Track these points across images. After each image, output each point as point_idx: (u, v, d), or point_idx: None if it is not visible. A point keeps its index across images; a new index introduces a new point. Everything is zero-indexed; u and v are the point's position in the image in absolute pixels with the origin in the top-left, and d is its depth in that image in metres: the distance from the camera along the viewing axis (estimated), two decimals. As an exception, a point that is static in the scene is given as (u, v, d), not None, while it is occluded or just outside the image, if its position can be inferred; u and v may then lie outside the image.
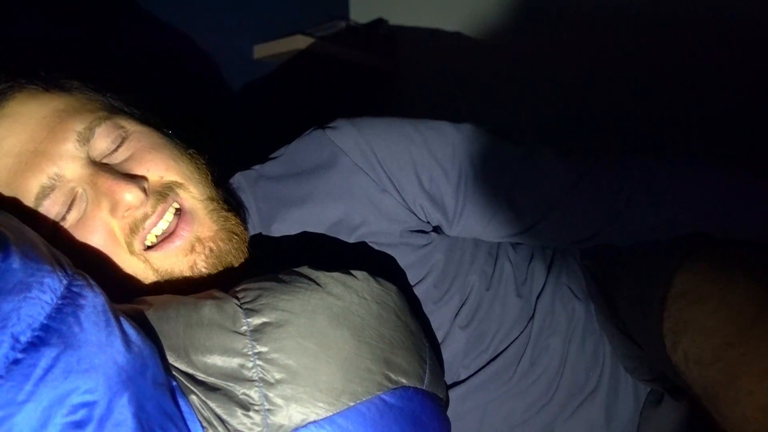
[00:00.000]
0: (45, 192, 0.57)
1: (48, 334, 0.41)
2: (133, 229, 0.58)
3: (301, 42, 1.33)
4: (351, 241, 0.68)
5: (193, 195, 0.62)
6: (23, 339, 0.40)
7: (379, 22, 1.52)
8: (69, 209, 0.57)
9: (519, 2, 1.33)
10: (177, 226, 0.59)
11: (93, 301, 0.45)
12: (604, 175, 0.67)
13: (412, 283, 0.69)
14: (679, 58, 1.14)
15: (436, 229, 0.71)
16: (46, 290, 0.43)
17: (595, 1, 1.23)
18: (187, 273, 0.59)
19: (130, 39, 1.11)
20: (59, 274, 0.45)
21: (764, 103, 1.04)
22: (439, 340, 0.69)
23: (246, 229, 0.66)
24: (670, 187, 0.66)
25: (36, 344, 0.41)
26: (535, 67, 1.32)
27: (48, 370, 0.40)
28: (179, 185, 0.61)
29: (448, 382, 0.69)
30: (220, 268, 0.61)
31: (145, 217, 0.58)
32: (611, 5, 1.20)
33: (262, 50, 1.37)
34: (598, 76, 1.24)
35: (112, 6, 1.10)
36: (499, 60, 1.38)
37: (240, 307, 0.51)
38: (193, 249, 0.59)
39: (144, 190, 0.57)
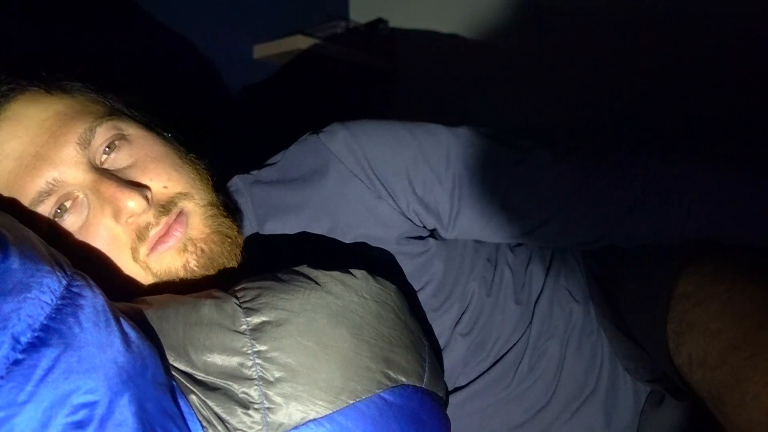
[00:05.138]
0: (41, 197, 0.57)
1: (48, 334, 0.41)
2: (140, 236, 0.58)
3: (300, 42, 1.33)
4: (347, 241, 0.68)
5: (195, 201, 0.62)
6: (23, 340, 0.40)
7: (379, 22, 1.52)
8: (67, 213, 0.58)
9: (519, 3, 1.33)
10: (171, 227, 0.59)
11: (93, 301, 0.45)
12: (608, 178, 0.67)
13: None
14: (679, 57, 1.14)
15: (434, 233, 0.71)
16: (46, 290, 0.43)
17: (595, 1, 1.23)
18: (182, 272, 0.59)
19: (129, 39, 1.11)
20: (59, 274, 0.45)
21: (765, 104, 1.04)
22: (440, 347, 0.69)
23: (241, 232, 0.66)
24: (675, 191, 0.65)
25: (36, 345, 0.41)
26: (534, 68, 1.32)
27: (49, 370, 0.40)
28: (183, 195, 0.61)
29: (447, 389, 0.69)
30: (212, 270, 0.61)
31: (149, 226, 0.58)
32: (611, 5, 1.20)
33: (261, 50, 1.37)
34: (598, 76, 1.24)
35: (111, 6, 1.11)
36: (498, 60, 1.37)
37: (239, 306, 0.51)
38: (185, 249, 0.60)
39: (146, 198, 0.57)
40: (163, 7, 1.17)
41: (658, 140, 1.16)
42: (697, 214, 0.65)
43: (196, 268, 0.60)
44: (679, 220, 0.65)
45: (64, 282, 0.45)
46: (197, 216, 0.61)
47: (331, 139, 0.67)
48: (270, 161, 0.73)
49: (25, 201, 0.57)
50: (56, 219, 0.57)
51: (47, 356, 0.41)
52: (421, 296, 0.69)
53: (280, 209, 0.68)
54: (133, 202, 0.56)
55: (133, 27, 1.14)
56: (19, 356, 0.40)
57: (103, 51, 1.05)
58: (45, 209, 0.57)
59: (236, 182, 0.72)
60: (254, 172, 0.72)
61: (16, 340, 0.40)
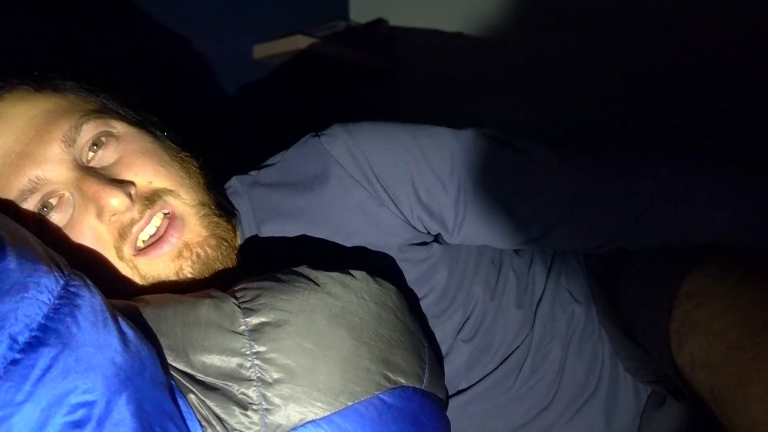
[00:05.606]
0: (24, 195, 0.56)
1: (46, 334, 0.41)
2: (122, 234, 0.57)
3: (300, 42, 1.33)
4: (348, 245, 0.67)
5: (184, 200, 0.61)
6: (21, 339, 0.40)
7: (379, 22, 1.52)
8: (53, 211, 0.57)
9: (519, 2, 1.33)
10: (166, 231, 0.59)
11: (90, 301, 0.45)
12: (616, 183, 0.65)
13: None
14: (679, 57, 1.14)
15: (438, 238, 0.70)
16: (43, 290, 0.43)
17: (595, 1, 1.23)
18: (173, 278, 0.59)
19: (128, 39, 1.11)
20: (56, 274, 0.45)
21: (765, 103, 1.04)
22: (442, 354, 0.68)
23: (236, 235, 0.66)
24: (685, 197, 0.64)
25: (34, 344, 0.41)
26: (535, 68, 1.32)
27: (46, 370, 0.40)
28: (168, 192, 0.60)
29: (449, 393, 0.68)
30: (207, 275, 0.60)
31: (132, 222, 0.57)
32: (611, 5, 1.20)
33: (261, 50, 1.37)
34: (599, 76, 1.24)
35: (110, 5, 1.10)
36: (499, 60, 1.38)
37: (238, 306, 0.51)
38: (180, 255, 0.59)
39: (130, 196, 0.57)
40: (163, 7, 1.17)
41: (659, 140, 1.16)
42: (707, 220, 0.64)
43: (190, 274, 0.59)
44: (689, 226, 0.64)
45: (62, 282, 0.45)
46: (191, 217, 0.61)
47: (332, 143, 0.66)
48: (269, 162, 0.72)
49: (9, 199, 0.57)
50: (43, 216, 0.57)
51: (45, 356, 0.41)
52: (423, 303, 0.68)
53: (279, 213, 0.67)
54: (116, 200, 0.56)
55: (132, 27, 1.14)
56: (17, 356, 0.40)
57: (103, 51, 1.05)
58: (28, 207, 0.57)
59: (234, 183, 0.71)
60: (253, 173, 0.71)
61: (14, 340, 0.40)
